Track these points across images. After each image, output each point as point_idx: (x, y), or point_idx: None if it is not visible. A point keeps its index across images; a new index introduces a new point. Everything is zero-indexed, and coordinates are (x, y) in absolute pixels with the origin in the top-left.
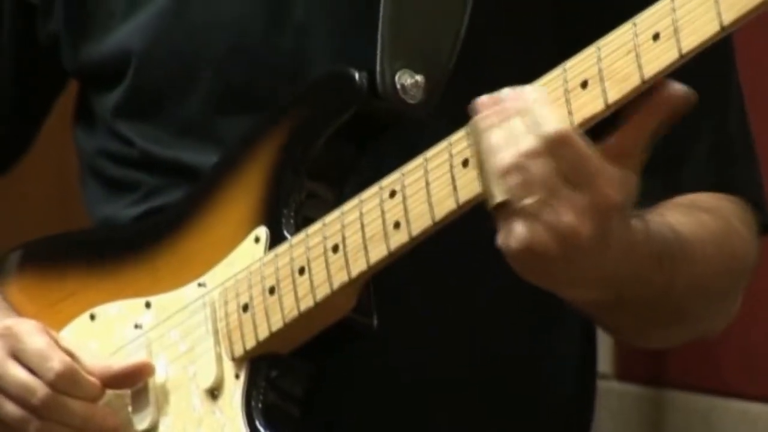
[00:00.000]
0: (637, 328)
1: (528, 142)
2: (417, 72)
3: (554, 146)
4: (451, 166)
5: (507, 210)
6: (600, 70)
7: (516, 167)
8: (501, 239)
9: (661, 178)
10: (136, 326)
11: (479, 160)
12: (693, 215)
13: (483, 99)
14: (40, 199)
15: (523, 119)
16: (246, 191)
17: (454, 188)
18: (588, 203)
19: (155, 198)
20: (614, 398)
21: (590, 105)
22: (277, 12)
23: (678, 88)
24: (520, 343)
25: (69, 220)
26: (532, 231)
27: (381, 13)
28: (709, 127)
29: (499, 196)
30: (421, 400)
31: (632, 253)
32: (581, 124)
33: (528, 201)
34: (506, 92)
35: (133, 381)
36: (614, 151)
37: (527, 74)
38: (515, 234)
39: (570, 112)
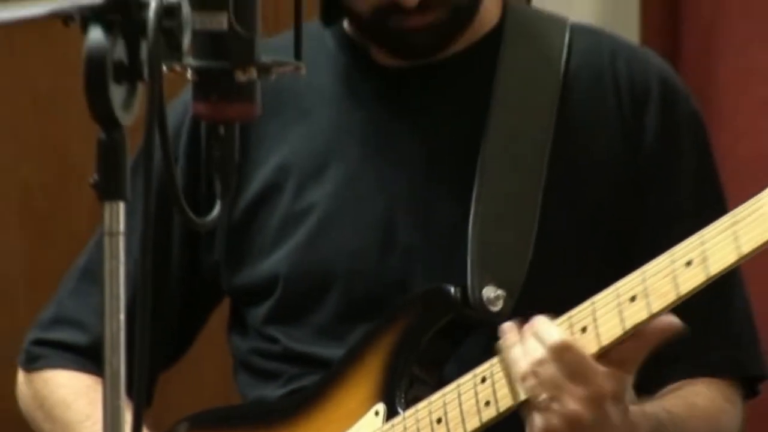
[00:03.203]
0: None
1: (538, 352)
2: (499, 287)
3: (557, 352)
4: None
5: (529, 405)
6: (645, 288)
7: (531, 373)
8: (528, 428)
9: (668, 367)
10: None
11: (505, 370)
12: (684, 398)
13: (506, 326)
14: (209, 387)
15: (533, 336)
16: (367, 376)
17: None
18: (588, 393)
19: (295, 382)
20: None
21: (638, 314)
22: (387, 240)
23: (674, 322)
24: None
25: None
26: (547, 419)
27: (470, 236)
28: (716, 318)
29: (521, 395)
30: None
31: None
32: (628, 331)
33: (542, 397)
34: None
35: None
36: (614, 361)
37: (575, 289)
38: (536, 423)
39: (622, 320)
